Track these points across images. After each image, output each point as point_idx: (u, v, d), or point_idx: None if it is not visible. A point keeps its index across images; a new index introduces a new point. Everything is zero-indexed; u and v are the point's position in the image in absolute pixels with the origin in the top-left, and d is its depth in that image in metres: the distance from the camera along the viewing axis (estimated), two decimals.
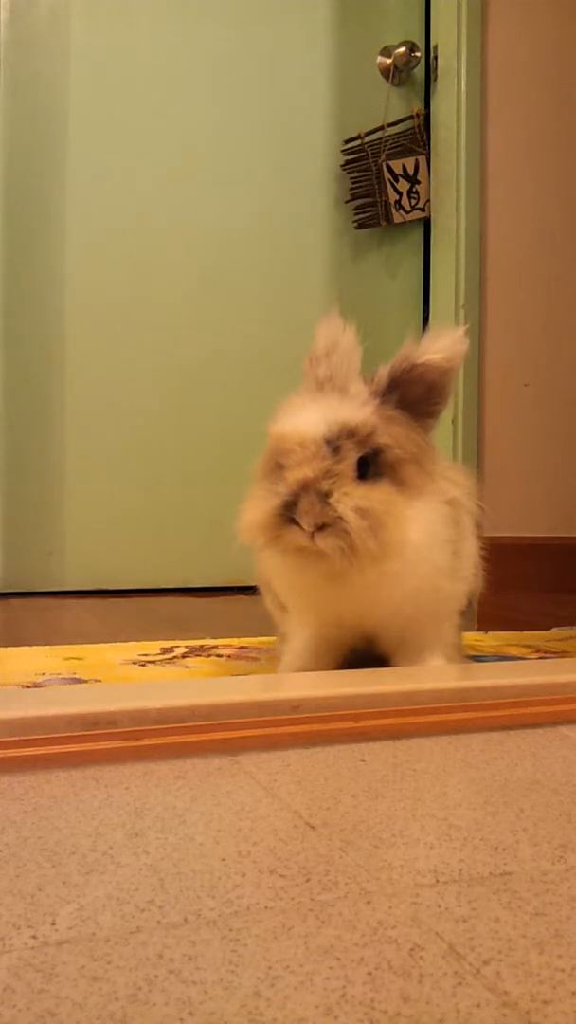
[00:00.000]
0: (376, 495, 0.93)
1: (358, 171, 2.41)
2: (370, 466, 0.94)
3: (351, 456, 0.93)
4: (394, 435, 0.95)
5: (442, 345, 0.98)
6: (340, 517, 0.90)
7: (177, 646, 1.38)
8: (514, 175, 2.38)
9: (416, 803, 0.64)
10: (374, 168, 2.39)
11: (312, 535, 0.91)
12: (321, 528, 0.91)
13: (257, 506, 0.94)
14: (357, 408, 0.95)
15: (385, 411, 0.96)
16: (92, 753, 0.73)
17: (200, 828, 0.59)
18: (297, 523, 0.91)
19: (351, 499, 0.91)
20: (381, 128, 2.40)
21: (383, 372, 0.99)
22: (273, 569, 1.05)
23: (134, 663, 1.23)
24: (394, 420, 0.97)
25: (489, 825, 0.60)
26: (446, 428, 2.32)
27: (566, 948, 0.43)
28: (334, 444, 0.92)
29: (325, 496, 0.91)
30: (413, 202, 2.40)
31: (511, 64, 2.38)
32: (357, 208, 2.43)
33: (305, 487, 0.91)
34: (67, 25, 2.25)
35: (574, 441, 2.44)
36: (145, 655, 1.30)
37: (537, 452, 2.40)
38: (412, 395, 0.98)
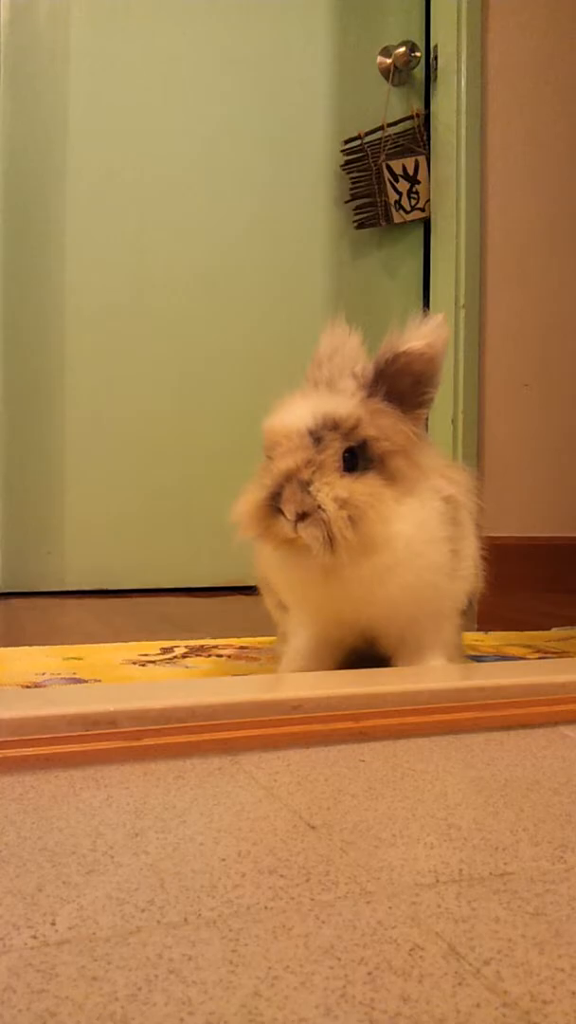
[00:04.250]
0: (360, 487, 0.93)
1: (358, 171, 2.41)
2: (359, 460, 0.94)
3: (334, 447, 0.93)
4: (381, 427, 0.95)
5: (423, 332, 0.98)
6: (319, 506, 0.91)
7: (177, 646, 1.38)
8: (514, 175, 2.38)
9: (416, 803, 0.64)
10: (374, 168, 2.39)
11: (295, 525, 0.91)
12: (303, 517, 0.91)
13: (246, 498, 0.96)
14: (343, 401, 0.96)
15: (372, 404, 0.97)
16: (92, 753, 0.73)
17: (200, 828, 0.59)
18: (283, 513, 0.92)
19: (331, 489, 0.91)
20: (381, 128, 2.40)
21: (368, 366, 0.99)
22: (269, 565, 1.05)
23: (134, 663, 1.23)
24: (381, 412, 0.97)
25: (489, 825, 0.60)
26: (446, 428, 2.32)
27: (566, 948, 0.43)
28: (317, 435, 0.93)
29: (306, 485, 0.91)
30: (413, 202, 2.40)
31: (511, 64, 2.38)
32: (357, 208, 2.42)
33: (288, 477, 0.92)
34: (67, 25, 2.25)
35: (574, 441, 2.44)
36: (145, 655, 1.30)
37: (537, 452, 2.40)
38: (400, 386, 0.98)
